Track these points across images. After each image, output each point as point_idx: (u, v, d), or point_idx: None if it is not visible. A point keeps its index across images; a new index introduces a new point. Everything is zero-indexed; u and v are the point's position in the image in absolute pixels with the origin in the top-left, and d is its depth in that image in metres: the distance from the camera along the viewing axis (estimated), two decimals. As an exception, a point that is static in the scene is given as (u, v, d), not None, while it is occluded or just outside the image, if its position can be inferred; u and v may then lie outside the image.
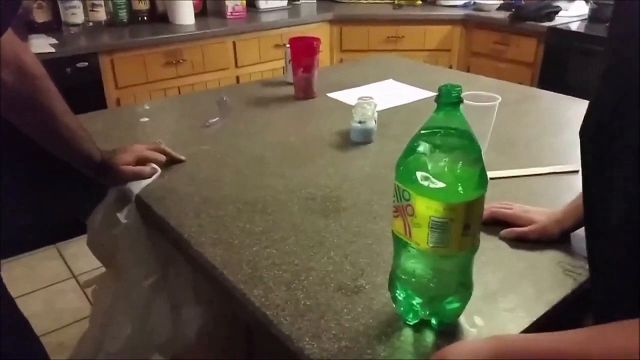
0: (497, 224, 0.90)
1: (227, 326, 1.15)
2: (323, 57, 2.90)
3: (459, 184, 0.59)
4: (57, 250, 2.48)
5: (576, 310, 0.75)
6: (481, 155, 0.61)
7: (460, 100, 0.59)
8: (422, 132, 0.61)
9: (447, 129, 0.60)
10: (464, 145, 0.60)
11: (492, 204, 0.91)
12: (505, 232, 0.88)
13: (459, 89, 0.59)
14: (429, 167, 0.59)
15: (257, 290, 0.75)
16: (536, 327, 0.70)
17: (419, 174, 0.60)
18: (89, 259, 2.40)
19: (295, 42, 1.57)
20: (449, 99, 0.59)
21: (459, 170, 0.59)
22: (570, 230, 0.86)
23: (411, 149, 0.62)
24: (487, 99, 1.13)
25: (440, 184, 0.59)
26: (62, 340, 1.92)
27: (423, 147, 0.61)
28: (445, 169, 0.59)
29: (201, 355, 1.41)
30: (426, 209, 0.60)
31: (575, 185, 1.06)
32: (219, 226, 0.92)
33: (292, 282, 0.77)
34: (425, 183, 0.59)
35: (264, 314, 0.71)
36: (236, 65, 2.77)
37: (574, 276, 0.78)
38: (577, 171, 1.11)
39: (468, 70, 3.01)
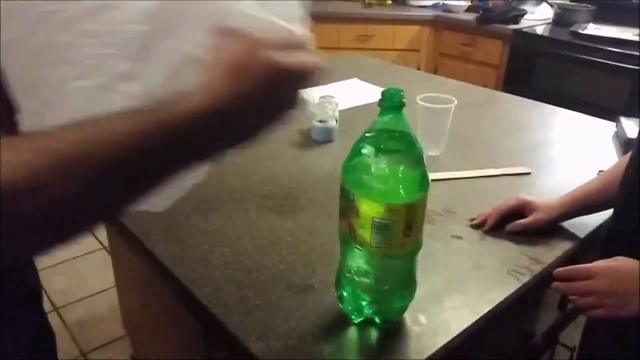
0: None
1: (185, 324, 1.15)
2: (293, 54, 2.89)
3: (400, 186, 0.60)
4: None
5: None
6: (423, 159, 0.62)
7: (403, 105, 0.60)
8: (366, 135, 0.62)
9: (391, 133, 0.61)
10: (406, 149, 0.61)
11: (489, 210, 0.94)
12: (511, 226, 0.91)
13: (402, 93, 0.60)
14: (372, 170, 0.61)
15: (206, 289, 0.75)
16: (480, 325, 0.72)
17: (362, 176, 0.61)
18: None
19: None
20: (392, 103, 0.60)
21: (400, 173, 0.61)
22: (566, 217, 0.92)
23: (356, 152, 0.63)
24: (444, 102, 1.16)
25: (382, 186, 0.60)
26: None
27: (367, 149, 0.62)
28: (387, 172, 0.60)
29: (159, 353, 1.40)
30: (369, 210, 0.61)
31: (527, 187, 1.09)
32: (173, 224, 0.91)
33: (243, 281, 0.78)
34: (368, 185, 0.60)
35: (211, 313, 0.71)
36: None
37: (517, 276, 0.81)
38: (529, 173, 1.14)
39: (436, 71, 3.05)
